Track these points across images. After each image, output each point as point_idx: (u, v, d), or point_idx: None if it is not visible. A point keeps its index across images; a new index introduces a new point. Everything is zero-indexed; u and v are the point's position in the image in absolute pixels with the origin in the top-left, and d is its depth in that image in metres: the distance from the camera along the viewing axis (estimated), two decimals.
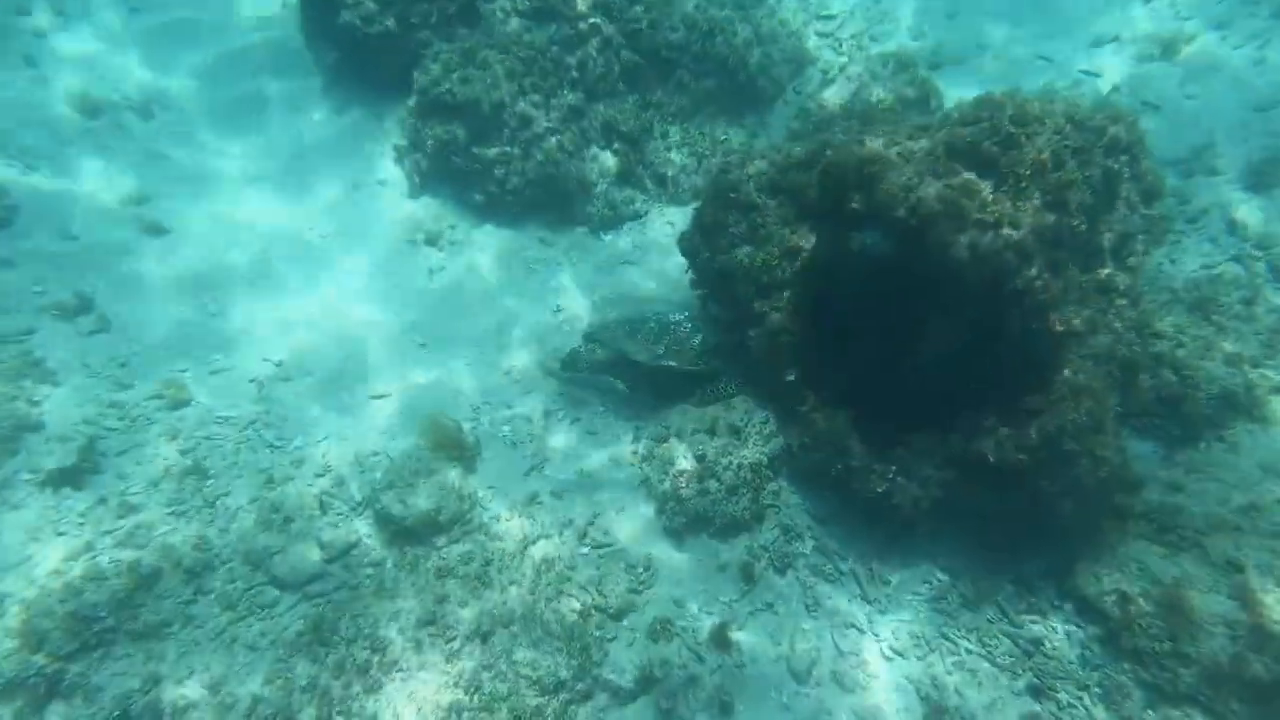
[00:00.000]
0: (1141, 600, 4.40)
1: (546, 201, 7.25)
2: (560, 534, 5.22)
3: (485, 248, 7.04)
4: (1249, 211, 6.42)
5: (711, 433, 5.41)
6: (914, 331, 4.56)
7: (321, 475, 5.38)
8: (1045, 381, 4.38)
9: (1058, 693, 4.46)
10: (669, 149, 7.58)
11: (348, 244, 7.00)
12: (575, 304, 6.68)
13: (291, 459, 5.47)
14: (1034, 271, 4.03)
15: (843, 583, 5.12)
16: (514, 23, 7.25)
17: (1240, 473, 4.70)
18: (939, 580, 5.05)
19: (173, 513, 5.07)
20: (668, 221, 7.44)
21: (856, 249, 4.51)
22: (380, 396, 5.93)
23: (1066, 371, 4.33)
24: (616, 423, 5.84)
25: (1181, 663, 4.17)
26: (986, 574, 4.98)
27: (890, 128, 4.59)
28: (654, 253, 7.19)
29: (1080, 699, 4.42)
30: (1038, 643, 4.66)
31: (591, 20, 7.33)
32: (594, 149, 7.42)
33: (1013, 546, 4.97)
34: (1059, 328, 4.13)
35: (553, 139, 7.12)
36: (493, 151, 6.99)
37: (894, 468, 4.91)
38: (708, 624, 4.86)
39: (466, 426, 5.67)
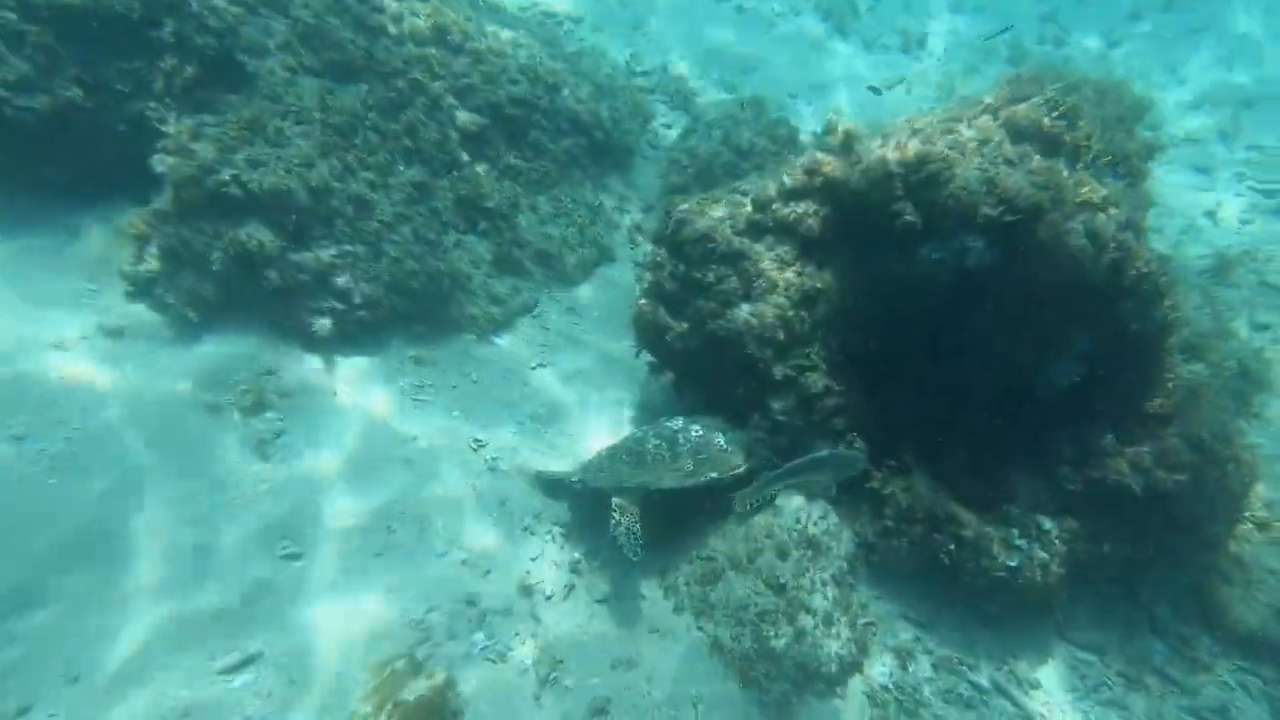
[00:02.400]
0: None
1: (411, 310, 5.48)
2: None
3: (338, 390, 5.00)
4: None
5: (781, 552, 4.11)
6: (1024, 358, 3.86)
7: None
8: (1157, 381, 3.95)
9: None
10: (543, 222, 6.35)
11: (99, 436, 4.42)
12: (498, 435, 4.96)
13: None
14: (1148, 254, 3.59)
15: (989, 703, 4.07)
16: (306, 83, 5.54)
17: None
18: (1085, 662, 4.27)
19: None
20: (567, 309, 6.13)
21: (932, 266, 3.73)
22: (239, 667, 3.58)
23: (1177, 366, 3.94)
24: (625, 575, 4.23)
25: None
26: (1125, 637, 4.34)
27: (903, 122, 4.01)
28: (564, 350, 5.79)
29: None
30: (1224, 711, 4.05)
31: (410, 76, 5.95)
32: (453, 234, 5.89)
33: (1130, 588, 4.42)
34: (1174, 315, 3.72)
35: (405, 227, 5.46)
36: (328, 254, 5.10)
37: (1015, 531, 4.09)
38: None
39: (420, 654, 3.63)
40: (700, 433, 4.30)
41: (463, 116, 6.14)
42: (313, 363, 5.03)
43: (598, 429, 5.15)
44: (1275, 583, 4.26)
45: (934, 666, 4.19)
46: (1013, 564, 4.01)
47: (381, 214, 5.34)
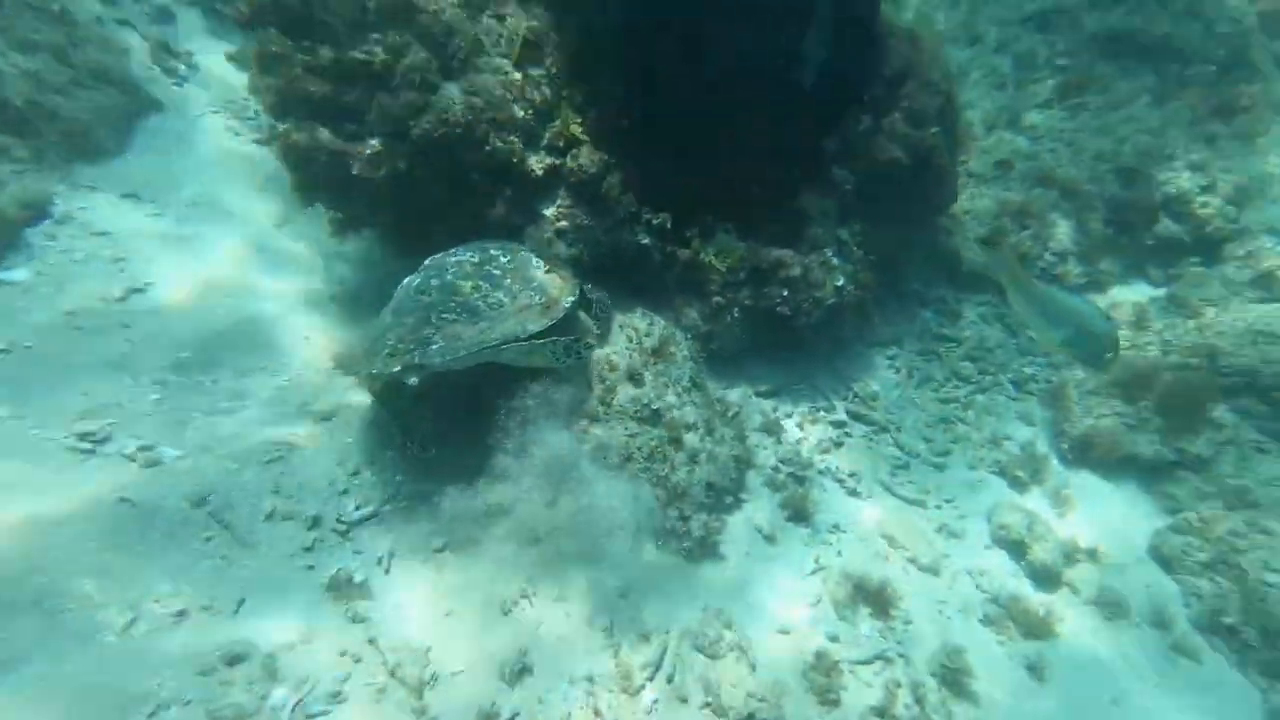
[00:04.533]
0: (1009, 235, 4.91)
1: None
2: (631, 685, 2.61)
3: None
4: None
5: (635, 378, 3.34)
6: (779, 42, 3.48)
7: None
8: (884, 43, 3.98)
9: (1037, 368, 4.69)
10: None
11: None
12: (129, 418, 3.02)
13: None
14: None
15: (851, 430, 4.14)
16: None
17: None
18: (892, 356, 4.60)
19: None
20: (124, 194, 3.96)
21: None
22: None
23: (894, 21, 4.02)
24: (456, 500, 3.03)
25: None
26: (907, 320, 4.76)
27: None
28: (165, 253, 3.77)
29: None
30: (981, 344, 4.74)
31: None
32: None
33: (894, 279, 4.79)
34: None
35: None
36: None
37: (829, 251, 3.97)
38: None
39: None
40: (507, 259, 3.12)
41: None
42: None
43: (297, 335, 3.53)
44: (970, 220, 5.07)
45: (798, 426, 4.07)
46: (839, 283, 3.93)
47: None
